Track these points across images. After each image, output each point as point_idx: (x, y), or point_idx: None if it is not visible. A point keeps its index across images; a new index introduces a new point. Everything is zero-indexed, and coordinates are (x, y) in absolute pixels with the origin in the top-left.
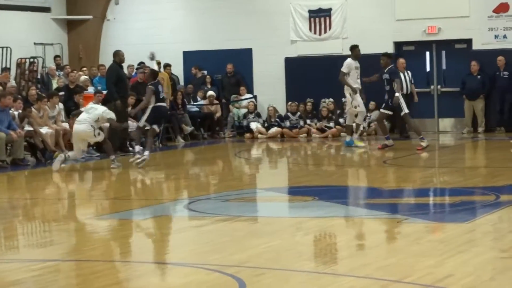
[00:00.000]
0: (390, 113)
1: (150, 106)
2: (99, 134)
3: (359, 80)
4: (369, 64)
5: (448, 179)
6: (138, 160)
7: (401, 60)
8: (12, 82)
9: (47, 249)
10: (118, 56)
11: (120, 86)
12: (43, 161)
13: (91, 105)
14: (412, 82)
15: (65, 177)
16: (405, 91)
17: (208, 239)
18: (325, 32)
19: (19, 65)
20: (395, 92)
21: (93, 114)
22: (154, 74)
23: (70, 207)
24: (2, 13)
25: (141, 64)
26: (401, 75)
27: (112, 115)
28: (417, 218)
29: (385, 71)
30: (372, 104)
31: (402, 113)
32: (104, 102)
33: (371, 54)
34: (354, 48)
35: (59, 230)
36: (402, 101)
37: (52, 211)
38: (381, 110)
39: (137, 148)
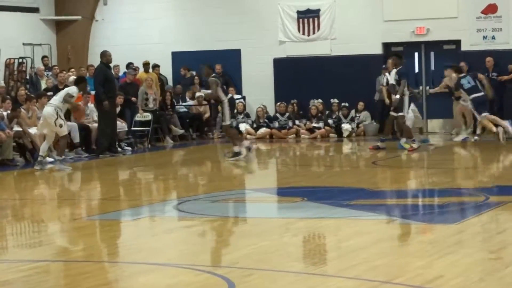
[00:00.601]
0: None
1: (226, 101)
2: (61, 126)
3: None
4: (358, 65)
5: (437, 180)
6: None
7: (390, 61)
8: (1, 83)
9: (36, 250)
10: (105, 57)
11: (107, 86)
12: (32, 161)
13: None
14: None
15: (54, 178)
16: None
17: (197, 240)
18: (314, 33)
19: (8, 65)
20: (404, 93)
21: (59, 95)
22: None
23: (59, 208)
24: None
25: (130, 64)
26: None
27: (71, 91)
28: (406, 219)
29: (395, 71)
30: (360, 105)
31: (400, 114)
32: (96, 103)
33: (360, 55)
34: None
35: (47, 230)
36: (406, 103)
37: (41, 212)
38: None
39: (246, 143)
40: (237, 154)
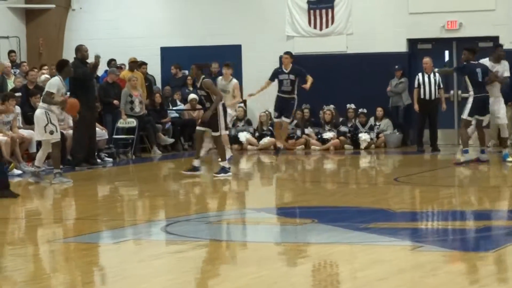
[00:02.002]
0: (481, 118)
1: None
2: (51, 132)
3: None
4: (378, 65)
5: (470, 200)
6: None
7: (426, 60)
8: None
9: (2, 277)
10: (81, 52)
11: (84, 88)
12: None
13: None
14: (441, 86)
15: (24, 193)
16: (428, 96)
17: (189, 267)
18: (327, 27)
19: None
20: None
21: (43, 94)
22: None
23: (29, 228)
24: None
25: (112, 61)
26: (426, 77)
27: (50, 88)
28: (433, 246)
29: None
30: (379, 111)
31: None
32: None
33: (381, 53)
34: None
35: (15, 254)
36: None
37: (7, 233)
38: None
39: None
40: (224, 169)
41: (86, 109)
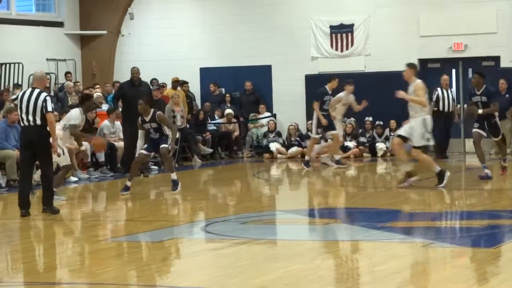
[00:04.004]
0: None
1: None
2: (63, 153)
3: None
4: (393, 82)
5: (475, 202)
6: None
7: (444, 77)
8: None
9: (59, 272)
10: (131, 74)
11: (125, 105)
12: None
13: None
14: (455, 100)
15: (78, 198)
16: (446, 109)
17: (226, 262)
18: (347, 48)
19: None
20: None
21: (62, 120)
22: None
23: (84, 228)
24: (15, 28)
25: (153, 80)
26: (444, 92)
27: (74, 120)
28: (442, 243)
29: (479, 93)
30: (393, 123)
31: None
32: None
33: (395, 71)
34: None
35: (71, 252)
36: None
37: (65, 232)
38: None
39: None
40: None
41: (130, 124)
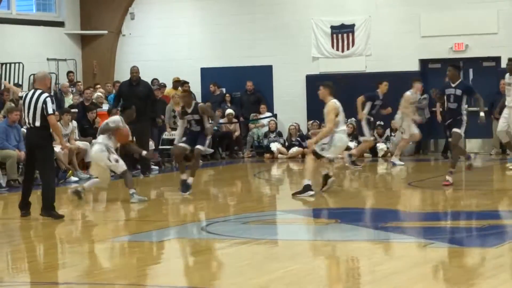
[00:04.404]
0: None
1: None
2: (117, 160)
3: None
4: (394, 82)
5: (476, 202)
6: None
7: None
8: None
9: (60, 272)
10: (130, 73)
11: (123, 104)
12: (56, 180)
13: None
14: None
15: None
16: None
17: (227, 262)
18: (348, 48)
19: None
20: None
21: (100, 130)
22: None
23: (84, 228)
24: (15, 27)
25: (154, 80)
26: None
27: (112, 123)
28: (443, 243)
29: (454, 85)
30: (394, 123)
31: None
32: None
33: (396, 72)
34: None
35: (72, 252)
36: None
37: (66, 232)
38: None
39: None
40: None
41: (129, 124)
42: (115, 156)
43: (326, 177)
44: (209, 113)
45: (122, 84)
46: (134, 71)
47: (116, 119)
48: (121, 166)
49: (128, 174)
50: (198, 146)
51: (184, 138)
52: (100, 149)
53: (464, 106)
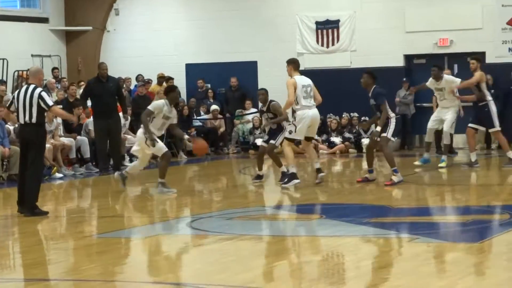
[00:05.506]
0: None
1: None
2: (153, 144)
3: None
4: (379, 78)
5: (460, 197)
6: None
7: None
8: (9, 95)
9: (45, 268)
10: (99, 69)
11: (94, 102)
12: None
13: None
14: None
15: (63, 194)
16: None
17: (212, 258)
18: (333, 44)
19: (20, 77)
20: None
21: (144, 113)
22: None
23: (68, 225)
24: None
25: (139, 76)
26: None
27: (153, 107)
28: (427, 238)
29: (370, 94)
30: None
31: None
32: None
33: (381, 67)
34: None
35: (56, 248)
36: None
37: (50, 229)
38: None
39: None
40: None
41: (101, 120)
42: (152, 140)
43: (318, 171)
44: (279, 111)
45: (90, 81)
46: (105, 67)
47: (158, 104)
48: (159, 149)
49: (165, 160)
50: (270, 142)
51: (265, 137)
52: (141, 132)
53: None
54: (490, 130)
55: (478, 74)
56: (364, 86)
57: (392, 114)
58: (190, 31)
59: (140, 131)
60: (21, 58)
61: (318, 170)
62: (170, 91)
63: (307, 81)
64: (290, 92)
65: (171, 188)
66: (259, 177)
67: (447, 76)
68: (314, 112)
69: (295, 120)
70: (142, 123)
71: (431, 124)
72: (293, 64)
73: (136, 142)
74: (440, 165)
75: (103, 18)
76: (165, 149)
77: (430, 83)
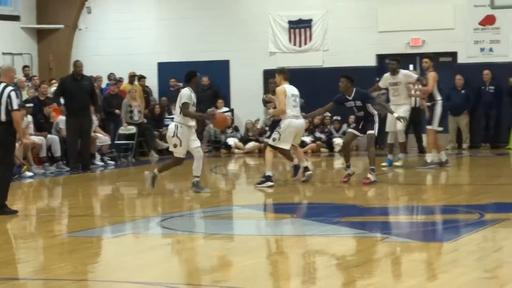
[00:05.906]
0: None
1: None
2: (175, 146)
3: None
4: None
5: (431, 197)
6: None
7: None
8: None
9: (14, 267)
10: (74, 67)
11: (67, 99)
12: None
13: None
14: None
15: (33, 193)
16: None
17: (182, 257)
18: (305, 43)
19: None
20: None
21: (177, 106)
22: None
23: (38, 224)
24: None
25: (110, 75)
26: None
27: (185, 98)
28: (398, 237)
29: (350, 97)
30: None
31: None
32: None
33: (353, 67)
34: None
35: (26, 247)
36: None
37: (20, 228)
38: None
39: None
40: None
41: (74, 119)
42: (176, 141)
43: (305, 169)
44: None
45: (64, 79)
46: (80, 65)
47: (187, 94)
48: (177, 153)
49: (174, 161)
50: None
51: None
52: (171, 128)
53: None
54: (427, 127)
55: (431, 78)
56: (344, 90)
57: (375, 112)
58: (162, 30)
59: (170, 127)
60: None
61: (306, 169)
62: (192, 77)
63: (296, 91)
64: (281, 100)
65: (153, 184)
66: (296, 168)
67: (404, 71)
68: (301, 122)
69: (280, 128)
70: (191, 116)
71: (388, 126)
72: (283, 74)
73: (171, 145)
74: (396, 163)
75: (75, 16)
76: (182, 155)
77: (385, 79)
